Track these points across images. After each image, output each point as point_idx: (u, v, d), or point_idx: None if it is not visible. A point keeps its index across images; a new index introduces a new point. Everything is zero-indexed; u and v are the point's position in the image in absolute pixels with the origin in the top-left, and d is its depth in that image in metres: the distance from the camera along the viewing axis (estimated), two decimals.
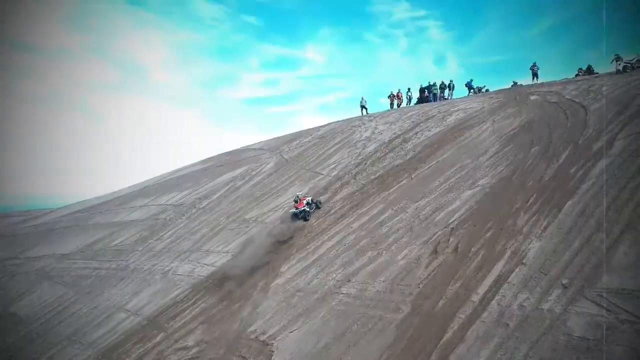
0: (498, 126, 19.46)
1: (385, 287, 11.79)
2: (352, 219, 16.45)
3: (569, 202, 11.70)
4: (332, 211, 17.83)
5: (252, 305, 13.96)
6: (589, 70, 28.49)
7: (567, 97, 20.51)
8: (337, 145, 25.78)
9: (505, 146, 17.06)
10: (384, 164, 20.48)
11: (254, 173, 26.79)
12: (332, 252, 14.79)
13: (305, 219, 18.65)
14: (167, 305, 16.58)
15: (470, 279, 10.53)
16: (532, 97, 22.61)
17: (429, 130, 22.48)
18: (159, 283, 18.39)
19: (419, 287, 11.17)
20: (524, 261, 10.30)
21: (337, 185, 20.14)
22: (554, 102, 20.26)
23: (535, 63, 29.03)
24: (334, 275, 13.45)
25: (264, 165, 27.41)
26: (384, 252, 13.44)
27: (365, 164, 21.28)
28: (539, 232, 11.08)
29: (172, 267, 19.14)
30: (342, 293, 12.44)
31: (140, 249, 22.40)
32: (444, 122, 22.89)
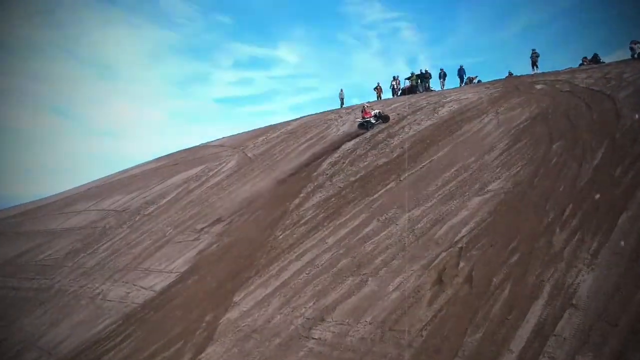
0: (504, 118, 16.75)
1: (373, 332, 8.75)
2: (327, 232, 13.42)
3: (623, 216, 8.88)
4: (302, 221, 14.79)
5: (193, 349, 10.76)
6: (596, 59, 26.08)
7: (581, 85, 17.99)
8: (310, 142, 22.81)
9: (517, 141, 14.30)
10: (365, 162, 17.53)
11: (211, 173, 23.57)
12: (301, 277, 11.72)
13: (367, 129, 20.53)
14: (90, 341, 13.32)
15: (497, 327, 7.56)
16: (537, 87, 20.06)
17: (419, 124, 19.62)
18: (84, 311, 15.11)
19: (421, 335, 8.14)
20: (574, 301, 7.39)
21: (309, 189, 17.09)
22: (567, 91, 17.70)
23: (534, 50, 26.50)
24: (303, 310, 10.38)
25: (223, 165, 24.21)
26: (369, 278, 10.42)
27: (343, 163, 18.30)
28: (588, 257, 8.19)
29: (102, 290, 15.84)
30: (313, 338, 9.35)
31: (70, 264, 18.98)
32: (436, 115, 20.08)
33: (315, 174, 18.38)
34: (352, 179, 16.52)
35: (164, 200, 22.15)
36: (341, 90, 33.04)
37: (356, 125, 21.98)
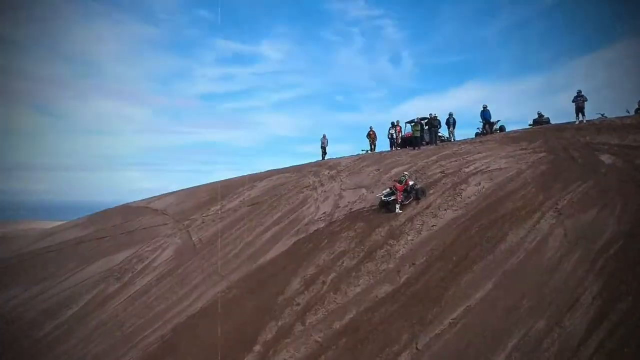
0: (573, 226, 11.48)
1: None
2: None
3: None
4: None
5: None
6: None
7: None
8: (277, 227, 17.28)
9: (616, 292, 8.90)
10: (357, 288, 12.08)
11: (139, 267, 17.89)
12: None
13: (391, 211, 15.21)
14: None
15: None
16: (604, 159, 14.85)
17: (434, 215, 14.24)
18: None
19: None
20: None
21: (270, 334, 11.52)
22: None
23: (580, 92, 21.30)
24: None
25: (158, 252, 18.54)
26: None
27: (324, 283, 12.76)
28: None
29: None
30: None
31: None
32: (459, 198, 14.77)
33: (281, 297, 12.83)
34: (338, 325, 11.00)
35: (69, 313, 16.42)
36: (323, 137, 27.87)
37: (341, 205, 16.72)
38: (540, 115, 24.80)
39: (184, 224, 20.47)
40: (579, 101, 21.18)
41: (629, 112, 21.85)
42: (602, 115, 22.15)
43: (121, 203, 30.79)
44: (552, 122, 24.26)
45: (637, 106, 21.91)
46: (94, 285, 17.69)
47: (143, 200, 28.56)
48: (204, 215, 20.89)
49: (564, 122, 22.66)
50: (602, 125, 19.20)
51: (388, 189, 15.69)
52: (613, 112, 20.65)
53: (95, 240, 22.76)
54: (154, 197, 28.76)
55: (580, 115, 21.22)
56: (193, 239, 18.66)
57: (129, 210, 26.54)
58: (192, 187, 29.39)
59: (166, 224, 21.21)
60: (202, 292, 14.65)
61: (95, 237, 23.31)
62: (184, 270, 16.51)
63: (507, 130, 25.12)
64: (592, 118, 21.50)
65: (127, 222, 23.84)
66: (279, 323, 11.81)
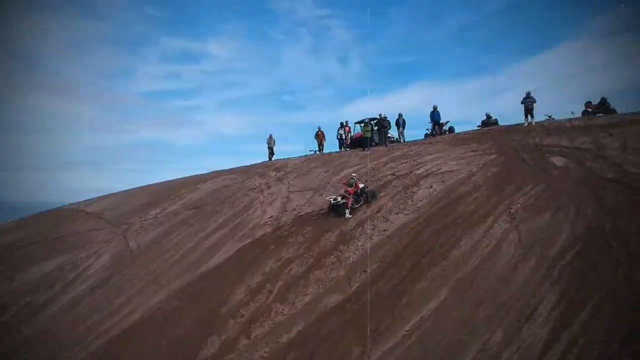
0: (527, 231, 11.23)
1: None
2: None
3: None
4: None
5: None
6: (604, 105, 21.41)
7: (629, 168, 12.79)
8: (221, 232, 16.46)
9: (576, 302, 8.62)
10: (305, 298, 11.49)
11: (72, 275, 16.65)
12: None
13: (341, 214, 14.71)
14: None
15: None
16: (555, 161, 14.80)
17: (386, 219, 13.81)
18: None
19: None
20: None
21: (212, 350, 10.76)
22: (612, 180, 12.40)
23: (529, 94, 21.39)
24: None
25: (93, 258, 17.33)
26: None
27: (270, 292, 12.09)
28: None
29: None
30: None
31: None
32: (411, 201, 14.41)
33: (224, 308, 12.07)
34: (285, 339, 10.36)
35: None
36: (270, 137, 27.15)
37: (292, 206, 16.14)
38: (488, 116, 24.90)
39: (121, 229, 19.30)
40: (528, 103, 21.26)
41: (574, 114, 22.16)
42: (550, 117, 22.37)
43: (63, 204, 29.12)
44: (500, 123, 24.39)
45: (584, 108, 22.22)
46: (21, 296, 16.33)
47: (79, 202, 27.01)
48: (142, 219, 19.77)
49: (512, 123, 22.77)
50: (551, 127, 19.32)
51: (339, 196, 15.12)
52: (557, 114, 21.12)
53: (25, 246, 21.25)
54: (91, 199, 27.30)
55: (529, 116, 21.30)
56: (130, 245, 17.56)
57: (62, 214, 25.01)
58: (132, 189, 28.09)
59: (102, 229, 19.96)
60: (139, 303, 13.68)
61: (24, 242, 21.76)
62: (120, 278, 15.44)
63: (456, 131, 25.10)
64: (540, 120, 21.63)
65: (59, 226, 22.37)
66: (222, 337, 11.06)
